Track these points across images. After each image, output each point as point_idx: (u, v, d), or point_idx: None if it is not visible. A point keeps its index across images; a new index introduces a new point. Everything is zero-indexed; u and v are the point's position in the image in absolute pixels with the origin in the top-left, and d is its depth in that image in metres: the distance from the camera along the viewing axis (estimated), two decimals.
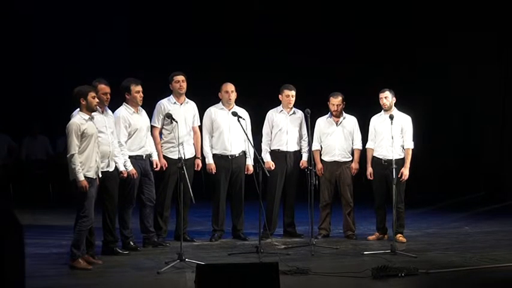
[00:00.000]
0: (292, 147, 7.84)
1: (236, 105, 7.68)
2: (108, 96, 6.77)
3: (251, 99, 8.20)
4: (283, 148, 7.81)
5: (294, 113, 7.88)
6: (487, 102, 11.53)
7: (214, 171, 7.58)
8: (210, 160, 7.59)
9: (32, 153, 11.57)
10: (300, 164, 7.85)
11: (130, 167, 6.93)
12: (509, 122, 11.25)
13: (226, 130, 7.57)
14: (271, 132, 7.84)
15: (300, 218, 8.02)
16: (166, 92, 7.60)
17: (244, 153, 7.61)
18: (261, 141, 7.89)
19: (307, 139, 7.77)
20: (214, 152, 7.62)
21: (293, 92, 7.80)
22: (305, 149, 7.84)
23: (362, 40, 11.87)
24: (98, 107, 6.45)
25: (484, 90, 11.46)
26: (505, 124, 11.31)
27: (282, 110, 7.88)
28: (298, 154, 7.89)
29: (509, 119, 11.24)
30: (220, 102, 7.68)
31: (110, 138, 6.69)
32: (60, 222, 8.71)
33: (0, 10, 11.34)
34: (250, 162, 7.61)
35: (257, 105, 8.24)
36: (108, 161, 6.68)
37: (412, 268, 5.96)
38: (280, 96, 7.87)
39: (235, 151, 7.60)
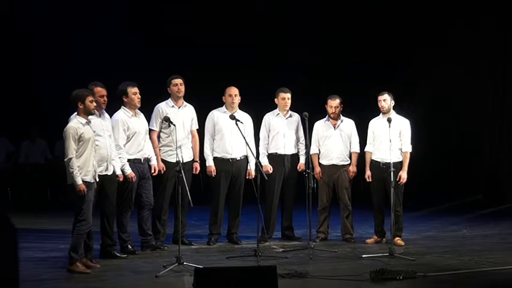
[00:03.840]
0: (290, 150, 7.80)
1: (240, 109, 7.64)
2: (105, 98, 6.74)
3: (251, 102, 8.14)
4: (281, 151, 7.78)
5: (290, 116, 7.85)
6: (485, 103, 11.47)
7: (214, 173, 7.54)
8: (210, 162, 7.56)
9: (30, 157, 11.53)
10: (298, 167, 7.81)
11: (129, 171, 6.89)
12: (507, 123, 11.20)
13: (228, 133, 7.53)
14: (268, 136, 7.79)
15: (298, 222, 7.98)
16: (164, 95, 7.57)
17: (246, 157, 7.55)
18: (259, 145, 7.85)
19: (304, 142, 7.73)
20: (215, 155, 7.59)
21: (288, 95, 7.77)
22: (302, 151, 7.81)
23: (361, 42, 11.80)
24: (95, 111, 6.41)
25: (482, 92, 11.41)
26: (503, 126, 11.27)
27: (278, 113, 7.84)
28: (295, 157, 7.86)
29: (508, 121, 11.20)
30: (224, 106, 7.65)
31: (107, 141, 6.67)
32: (58, 226, 8.66)
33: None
34: (251, 166, 7.56)
35: (256, 108, 8.19)
36: (107, 164, 6.66)
37: (410, 271, 5.94)
38: (276, 99, 7.84)
39: (236, 155, 7.57)
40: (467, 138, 11.77)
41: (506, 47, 11.18)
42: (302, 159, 7.81)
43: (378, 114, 7.71)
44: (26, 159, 11.57)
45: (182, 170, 6.40)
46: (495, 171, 11.36)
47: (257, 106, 8.12)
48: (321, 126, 7.84)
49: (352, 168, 7.78)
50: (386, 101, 7.56)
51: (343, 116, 7.86)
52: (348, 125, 7.84)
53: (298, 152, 7.87)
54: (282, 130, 7.78)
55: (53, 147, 11.69)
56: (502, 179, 11.26)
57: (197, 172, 7.59)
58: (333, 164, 7.77)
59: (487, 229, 8.75)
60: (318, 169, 7.74)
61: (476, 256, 6.83)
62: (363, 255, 6.83)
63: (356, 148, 7.83)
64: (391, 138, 7.23)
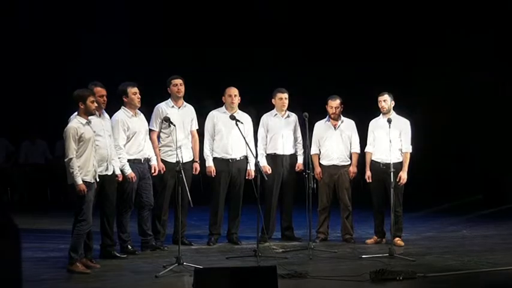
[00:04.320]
0: (288, 150, 7.80)
1: (239, 109, 7.63)
2: (105, 98, 6.73)
3: (251, 103, 8.16)
4: (279, 152, 7.77)
5: (288, 116, 7.84)
6: (484, 104, 11.43)
7: (213, 174, 7.54)
8: (209, 163, 7.55)
9: (30, 158, 11.52)
10: (296, 167, 7.80)
11: (129, 171, 6.89)
12: (505, 126, 11.17)
13: (227, 134, 7.52)
14: (267, 136, 7.79)
15: (298, 222, 7.95)
16: (165, 96, 7.56)
17: (245, 157, 7.50)
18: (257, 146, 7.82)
19: (302, 142, 7.72)
20: (215, 156, 7.58)
21: (286, 95, 7.77)
22: (300, 151, 7.80)
23: (360, 43, 11.78)
24: (95, 111, 6.42)
25: (482, 92, 11.37)
26: (502, 128, 11.23)
27: (276, 114, 7.84)
28: (294, 157, 7.84)
29: (506, 123, 11.17)
30: (224, 106, 7.64)
31: (107, 141, 6.66)
32: (59, 226, 8.63)
33: None
34: (251, 167, 7.53)
35: (256, 109, 8.20)
36: (107, 164, 6.64)
37: (410, 272, 5.91)
38: (273, 100, 7.83)
39: (236, 155, 7.56)
40: (467, 138, 11.71)
41: (503, 49, 11.12)
42: (300, 159, 7.79)
43: (378, 115, 7.72)
44: (25, 159, 11.57)
45: (182, 170, 6.39)
46: (494, 173, 11.33)
47: (256, 107, 8.11)
48: (321, 127, 7.84)
49: (353, 169, 7.77)
50: (386, 101, 7.56)
51: (343, 116, 7.86)
52: (348, 125, 7.83)
53: (296, 152, 7.86)
54: (280, 130, 7.77)
55: (53, 147, 11.68)
56: (501, 180, 11.22)
57: (197, 172, 7.57)
58: (333, 165, 7.76)
59: (487, 229, 8.73)
60: (318, 169, 7.73)
61: (476, 257, 6.79)
62: (363, 256, 6.82)
63: (356, 148, 7.82)
64: (391, 138, 7.22)
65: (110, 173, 6.69)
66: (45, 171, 11.44)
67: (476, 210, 10.27)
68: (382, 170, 7.48)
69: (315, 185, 7.22)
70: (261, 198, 7.06)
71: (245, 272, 5.22)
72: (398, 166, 7.46)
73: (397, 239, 7.47)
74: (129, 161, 6.94)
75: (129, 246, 7.04)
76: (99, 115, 6.66)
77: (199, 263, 6.22)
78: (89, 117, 6.33)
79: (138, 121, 7.11)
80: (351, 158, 7.82)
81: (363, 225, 8.50)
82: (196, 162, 7.55)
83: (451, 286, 5.78)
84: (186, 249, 7.08)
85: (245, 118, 7.55)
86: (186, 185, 6.40)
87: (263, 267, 5.58)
